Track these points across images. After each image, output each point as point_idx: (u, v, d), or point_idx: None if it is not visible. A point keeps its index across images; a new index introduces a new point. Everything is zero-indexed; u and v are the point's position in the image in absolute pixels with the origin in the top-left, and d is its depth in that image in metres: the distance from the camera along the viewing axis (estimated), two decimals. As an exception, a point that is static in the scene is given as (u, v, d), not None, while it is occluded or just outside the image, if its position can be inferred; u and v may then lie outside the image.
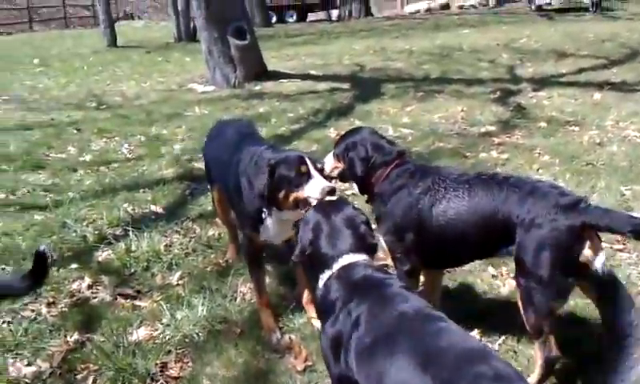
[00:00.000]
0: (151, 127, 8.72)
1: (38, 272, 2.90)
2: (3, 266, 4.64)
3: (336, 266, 2.61)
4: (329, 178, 3.77)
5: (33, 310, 4.10)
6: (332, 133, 7.87)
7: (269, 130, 8.15)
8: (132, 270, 4.58)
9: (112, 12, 35.52)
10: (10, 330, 3.80)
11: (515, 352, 3.48)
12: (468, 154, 6.79)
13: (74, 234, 5.13)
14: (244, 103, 9.96)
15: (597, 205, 3.13)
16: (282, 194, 3.35)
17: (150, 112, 9.69)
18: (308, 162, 3.34)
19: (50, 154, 7.64)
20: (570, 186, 5.58)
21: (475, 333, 3.61)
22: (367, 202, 3.70)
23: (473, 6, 30.81)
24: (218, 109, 9.60)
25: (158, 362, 3.49)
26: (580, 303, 3.70)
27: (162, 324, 3.86)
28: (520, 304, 3.11)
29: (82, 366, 3.49)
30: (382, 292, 2.44)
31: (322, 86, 11.04)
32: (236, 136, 4.09)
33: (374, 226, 3.08)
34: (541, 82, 10.12)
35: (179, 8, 19.73)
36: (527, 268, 3.04)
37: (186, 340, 3.71)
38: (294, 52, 15.83)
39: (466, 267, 4.31)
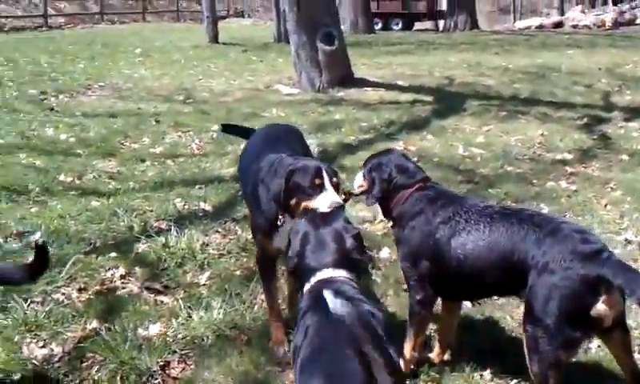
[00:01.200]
0: (227, 125, 8.86)
1: (39, 264, 2.96)
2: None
3: (314, 280, 2.62)
4: (349, 195, 3.74)
5: (64, 294, 4.25)
6: (400, 146, 7.72)
7: (338, 137, 8.12)
8: (165, 265, 4.66)
9: (223, 8, 36.84)
10: (35, 311, 3.94)
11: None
12: (535, 181, 6.48)
13: (121, 224, 5.28)
14: (321, 108, 9.97)
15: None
16: (294, 201, 3.36)
17: (231, 110, 9.87)
18: (325, 174, 3.33)
19: (125, 143, 7.92)
20: (635, 228, 5.23)
21: (487, 372, 3.44)
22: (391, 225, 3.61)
23: (587, 26, 29.51)
24: (295, 112, 9.66)
25: (160, 360, 3.52)
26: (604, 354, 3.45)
27: (177, 322, 3.90)
28: (525, 351, 2.93)
29: (90, 354, 3.57)
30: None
31: (405, 97, 10.89)
32: (265, 142, 4.07)
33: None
34: (635, 112, 9.53)
35: (281, 9, 19.99)
36: (535, 314, 2.86)
37: (195, 341, 3.73)
38: (388, 61, 15.70)
39: (499, 301, 4.13)
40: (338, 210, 3.01)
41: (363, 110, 9.82)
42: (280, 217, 3.49)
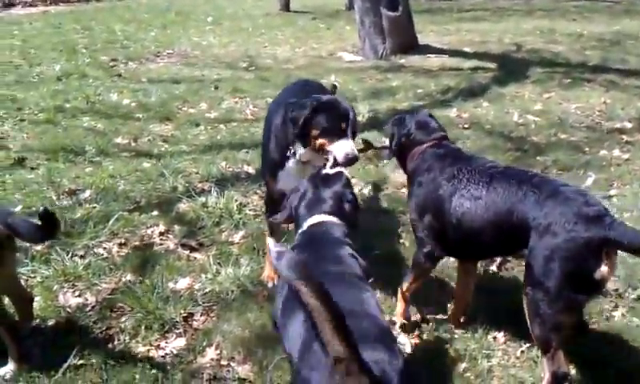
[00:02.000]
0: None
1: (47, 229, 3.12)
2: (94, 205, 5.08)
3: (306, 224, 2.77)
4: (368, 146, 3.88)
5: (105, 248, 4.48)
6: (453, 113, 7.65)
7: (390, 104, 8.11)
8: (203, 224, 4.83)
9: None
10: (75, 263, 4.18)
11: (535, 362, 3.25)
12: (587, 149, 6.31)
13: (166, 184, 5.48)
14: (380, 75, 9.93)
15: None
16: (314, 133, 3.40)
17: (289, 76, 9.92)
18: (350, 120, 3.39)
19: (182, 108, 8.15)
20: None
21: (501, 334, 3.44)
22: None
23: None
24: (352, 79, 9.65)
25: (184, 311, 3.68)
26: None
27: (205, 277, 4.05)
28: (526, 313, 2.91)
29: (120, 305, 3.77)
30: (325, 249, 2.59)
31: (468, 64, 10.67)
32: (289, 94, 4.07)
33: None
34: None
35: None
36: (536, 277, 2.83)
37: (220, 296, 3.88)
38: (457, 27, 15.39)
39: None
40: (341, 173, 3.04)
41: (422, 77, 9.71)
42: (291, 147, 3.54)
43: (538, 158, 6.10)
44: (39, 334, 3.51)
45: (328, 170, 3.07)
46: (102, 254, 4.39)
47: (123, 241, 4.58)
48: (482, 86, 9.06)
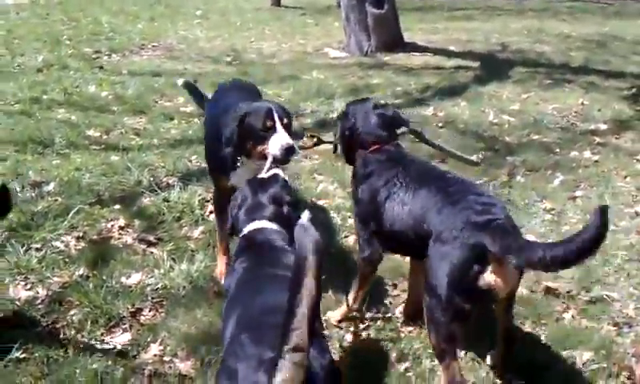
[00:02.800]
0: (262, 86, 8.91)
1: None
2: (57, 198, 5.06)
3: (246, 230, 2.79)
4: (319, 140, 3.83)
5: (62, 241, 4.46)
6: (429, 112, 7.64)
7: (368, 101, 8.07)
8: (164, 218, 4.81)
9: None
10: (30, 256, 4.15)
11: (478, 363, 3.25)
12: (558, 150, 6.31)
13: (131, 178, 5.45)
14: (362, 72, 9.90)
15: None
16: (249, 144, 3.45)
17: (271, 72, 9.92)
18: (275, 116, 3.39)
19: (159, 101, 8.11)
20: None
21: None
22: None
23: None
24: (334, 75, 9.63)
25: (132, 307, 3.67)
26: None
27: (158, 272, 4.03)
28: (425, 320, 2.90)
29: (70, 298, 3.75)
30: (266, 254, 2.63)
31: (451, 63, 10.66)
32: (227, 94, 4.17)
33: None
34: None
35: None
36: (430, 284, 2.81)
37: (172, 291, 3.86)
38: (445, 26, 15.37)
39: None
40: (276, 175, 3.05)
41: (403, 75, 9.69)
42: (238, 158, 3.57)
43: (507, 157, 6.10)
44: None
45: (264, 174, 3.07)
46: (59, 248, 4.37)
47: (81, 234, 4.56)
48: (462, 85, 9.05)
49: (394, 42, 11.93)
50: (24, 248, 4.26)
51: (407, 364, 3.26)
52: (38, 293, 3.83)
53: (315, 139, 3.95)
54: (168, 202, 4.96)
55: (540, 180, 5.56)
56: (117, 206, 4.97)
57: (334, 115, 7.38)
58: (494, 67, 10.19)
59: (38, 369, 3.17)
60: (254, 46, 12.73)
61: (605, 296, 3.87)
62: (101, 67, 10.21)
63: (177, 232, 4.64)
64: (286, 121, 3.44)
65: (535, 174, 5.72)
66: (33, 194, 5.12)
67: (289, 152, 3.34)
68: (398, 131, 3.60)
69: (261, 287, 2.36)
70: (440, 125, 7.11)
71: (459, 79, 9.42)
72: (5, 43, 11.74)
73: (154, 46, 12.49)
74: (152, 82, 9.13)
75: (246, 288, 2.44)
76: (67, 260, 4.20)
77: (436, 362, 3.21)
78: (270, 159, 3.29)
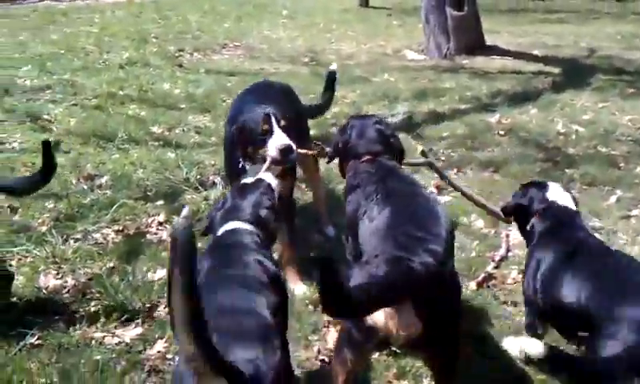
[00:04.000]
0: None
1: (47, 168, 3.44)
2: (106, 191, 5.26)
3: (220, 231, 2.80)
4: (321, 151, 3.90)
5: (102, 234, 4.63)
6: (494, 119, 7.40)
7: (432, 106, 7.95)
8: (202, 216, 4.88)
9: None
10: (68, 246, 4.34)
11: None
12: (622, 164, 5.96)
13: (180, 175, 5.59)
14: (435, 76, 9.73)
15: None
16: (250, 149, 3.61)
17: (343, 73, 9.81)
18: (272, 119, 3.52)
19: (226, 100, 8.24)
20: None
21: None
22: None
23: None
24: (405, 78, 9.51)
25: (147, 302, 3.76)
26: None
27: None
28: None
29: (94, 290, 3.89)
30: (229, 254, 2.63)
31: (531, 67, 10.30)
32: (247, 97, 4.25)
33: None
34: None
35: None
36: None
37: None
38: (535, 29, 14.85)
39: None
40: (260, 181, 3.05)
41: (477, 79, 9.44)
42: (241, 162, 3.69)
43: (566, 170, 5.82)
44: (11, 310, 3.66)
45: (247, 180, 3.11)
46: (97, 240, 4.53)
47: (121, 228, 4.71)
48: (537, 91, 8.72)
49: (474, 44, 11.64)
50: (64, 238, 4.45)
51: (406, 382, 3.17)
52: (66, 282, 3.98)
53: (319, 148, 3.91)
54: (207, 200, 5.05)
55: (596, 196, 5.28)
56: (160, 202, 5.11)
57: (394, 120, 7.30)
58: (575, 73, 9.75)
59: (48, 356, 3.29)
60: (333, 47, 12.77)
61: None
62: (180, 65, 10.53)
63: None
64: (283, 123, 3.53)
65: (592, 189, 5.44)
66: (85, 187, 5.35)
67: (286, 152, 3.45)
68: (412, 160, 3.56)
69: (214, 288, 2.36)
70: (502, 133, 6.88)
71: (535, 85, 9.08)
72: (96, 40, 12.29)
73: (236, 45, 12.76)
74: (225, 81, 9.33)
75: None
76: (101, 252, 4.34)
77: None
78: (268, 160, 3.40)
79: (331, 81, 5.10)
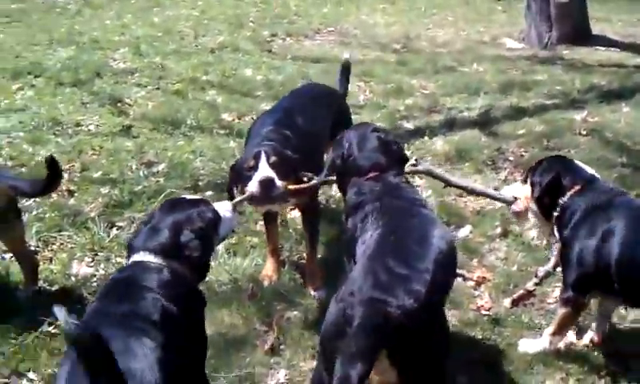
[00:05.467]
0: (414, 77, 8.67)
1: (50, 180, 3.42)
2: (159, 179, 5.33)
3: (131, 260, 2.62)
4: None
5: (145, 222, 4.69)
6: (580, 116, 6.91)
7: (515, 100, 7.55)
8: (243, 210, 4.84)
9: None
10: (107, 234, 4.42)
11: None
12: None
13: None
14: (528, 67, 9.22)
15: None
16: (239, 187, 3.57)
17: (430, 61, 9.55)
18: (263, 156, 3.42)
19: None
20: None
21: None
22: None
23: None
24: (495, 69, 9.04)
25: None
26: None
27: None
28: None
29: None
30: (127, 293, 2.43)
31: (636, 60, 9.53)
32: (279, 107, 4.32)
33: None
34: None
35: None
36: None
37: (214, 286, 3.89)
38: (655, 17, 13.74)
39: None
40: (202, 201, 2.91)
41: (573, 72, 8.85)
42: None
43: (646, 177, 5.33)
44: (38, 296, 3.77)
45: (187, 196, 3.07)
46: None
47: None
48: (636, 87, 8.04)
49: (578, 34, 10.93)
50: (108, 225, 4.55)
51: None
52: (97, 271, 4.07)
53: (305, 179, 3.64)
54: (253, 195, 4.99)
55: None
56: (209, 193, 5.10)
57: (470, 114, 6.98)
58: (685, 69, 8.93)
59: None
60: (429, 34, 12.36)
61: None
62: (270, 51, 10.54)
63: (251, 225, 4.66)
64: (273, 159, 3.42)
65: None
66: (142, 173, 5.45)
67: (267, 186, 3.33)
68: (407, 167, 3.31)
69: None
70: (584, 132, 6.40)
71: (636, 80, 8.39)
72: (194, 23, 12.53)
73: (329, 30, 12.61)
74: (308, 68, 9.24)
75: None
76: (139, 242, 4.39)
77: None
78: (246, 194, 3.38)
79: (345, 70, 4.99)
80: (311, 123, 4.06)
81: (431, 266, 2.40)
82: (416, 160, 3.53)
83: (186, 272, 2.57)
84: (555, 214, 3.29)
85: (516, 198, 3.45)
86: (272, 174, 3.36)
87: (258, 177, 3.37)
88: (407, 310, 2.23)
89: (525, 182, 3.48)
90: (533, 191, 3.36)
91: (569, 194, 3.23)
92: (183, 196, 3.12)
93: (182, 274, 2.55)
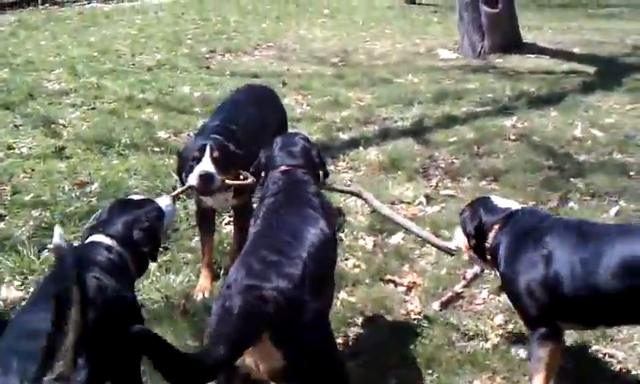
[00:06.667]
0: (351, 90, 8.79)
1: None
2: (91, 199, 5.27)
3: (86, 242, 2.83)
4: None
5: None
6: (510, 122, 7.11)
7: (447, 109, 7.71)
8: (178, 227, 4.85)
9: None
10: (38, 258, 4.36)
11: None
12: (633, 173, 5.61)
13: (167, 182, 5.56)
14: (462, 76, 9.44)
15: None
16: (183, 178, 3.78)
17: (367, 74, 9.69)
18: (207, 149, 3.63)
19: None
20: None
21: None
22: None
23: None
24: (429, 79, 9.24)
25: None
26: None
27: (146, 283, 4.06)
28: None
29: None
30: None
31: (564, 67, 9.86)
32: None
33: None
34: None
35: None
36: None
37: (147, 304, 3.87)
38: (581, 24, 14.21)
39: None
40: (148, 201, 3.10)
41: (504, 80, 9.09)
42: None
43: (571, 179, 5.54)
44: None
45: (134, 196, 3.21)
46: (72, 249, 4.53)
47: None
48: (563, 92, 8.33)
49: (509, 42, 11.24)
50: (38, 248, 4.48)
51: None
52: (27, 294, 3.98)
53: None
54: (187, 209, 5.00)
55: (596, 208, 4.98)
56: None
57: (403, 124, 7.12)
58: (610, 74, 9.26)
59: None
60: (367, 47, 12.54)
61: None
62: (207, 67, 10.53)
63: (186, 242, 4.65)
64: (216, 154, 3.63)
65: (594, 200, 5.14)
66: (74, 195, 5.39)
67: (205, 180, 3.55)
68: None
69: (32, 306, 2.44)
70: (513, 138, 6.59)
71: (564, 86, 8.68)
72: (132, 42, 12.44)
73: (268, 46, 12.68)
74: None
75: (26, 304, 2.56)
76: (71, 263, 4.33)
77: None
78: (186, 186, 3.59)
79: None
80: (257, 119, 4.39)
81: (304, 254, 2.54)
82: (350, 181, 3.72)
83: (132, 259, 2.81)
84: (488, 257, 3.22)
85: (459, 248, 3.45)
86: (212, 169, 3.58)
87: (198, 170, 3.57)
88: (283, 290, 2.32)
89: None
90: (467, 241, 3.31)
91: (491, 234, 3.16)
92: (130, 197, 3.26)
93: (129, 260, 2.79)
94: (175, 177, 5.42)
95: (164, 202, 3.12)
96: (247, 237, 3.82)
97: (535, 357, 2.95)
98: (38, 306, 2.34)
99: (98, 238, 2.77)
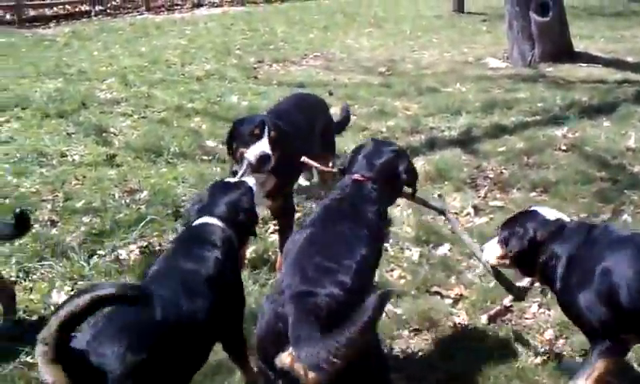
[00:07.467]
0: (397, 99, 8.75)
1: (22, 226, 3.48)
2: (140, 206, 5.36)
3: (195, 223, 3.04)
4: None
5: (127, 250, 4.72)
6: (561, 132, 6.97)
7: (495, 118, 7.60)
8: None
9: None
10: (87, 263, 4.46)
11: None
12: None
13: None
14: (511, 85, 9.29)
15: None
16: (234, 147, 3.86)
17: (414, 84, 9.62)
18: (266, 127, 3.73)
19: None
20: None
21: None
22: None
23: None
24: (478, 89, 9.13)
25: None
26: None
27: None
28: None
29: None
30: (189, 246, 2.88)
31: (617, 76, 9.59)
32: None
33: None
34: None
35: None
36: None
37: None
38: (633, 33, 13.83)
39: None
40: (243, 182, 3.24)
41: (555, 89, 8.92)
42: (233, 167, 3.86)
43: (625, 191, 5.39)
44: (17, 326, 3.77)
45: (229, 179, 3.35)
46: (122, 256, 4.61)
47: (146, 244, 4.77)
48: (616, 102, 8.11)
49: (560, 51, 11.03)
50: (89, 254, 4.57)
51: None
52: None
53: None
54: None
55: (649, 223, 4.83)
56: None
57: (451, 133, 7.05)
58: (666, 83, 9.01)
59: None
60: (414, 56, 12.48)
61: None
62: (255, 77, 10.64)
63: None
64: (273, 134, 3.72)
65: (647, 213, 4.98)
66: (124, 202, 5.48)
67: (263, 160, 3.65)
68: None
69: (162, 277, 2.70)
70: (564, 148, 6.44)
71: (617, 95, 8.46)
72: (182, 53, 12.65)
73: (315, 55, 12.72)
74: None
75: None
76: (120, 269, 4.42)
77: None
78: (245, 163, 3.65)
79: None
80: (302, 123, 4.50)
81: (354, 263, 2.60)
82: (439, 195, 4.01)
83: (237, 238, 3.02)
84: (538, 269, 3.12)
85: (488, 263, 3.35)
86: (269, 150, 3.68)
87: (258, 150, 3.66)
88: (335, 296, 2.39)
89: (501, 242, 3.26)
90: (512, 257, 3.18)
91: (542, 249, 3.06)
92: (227, 179, 3.40)
93: (235, 239, 3.00)
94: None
95: (251, 181, 3.29)
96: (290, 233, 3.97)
97: (590, 363, 2.90)
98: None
99: (208, 219, 2.96)
